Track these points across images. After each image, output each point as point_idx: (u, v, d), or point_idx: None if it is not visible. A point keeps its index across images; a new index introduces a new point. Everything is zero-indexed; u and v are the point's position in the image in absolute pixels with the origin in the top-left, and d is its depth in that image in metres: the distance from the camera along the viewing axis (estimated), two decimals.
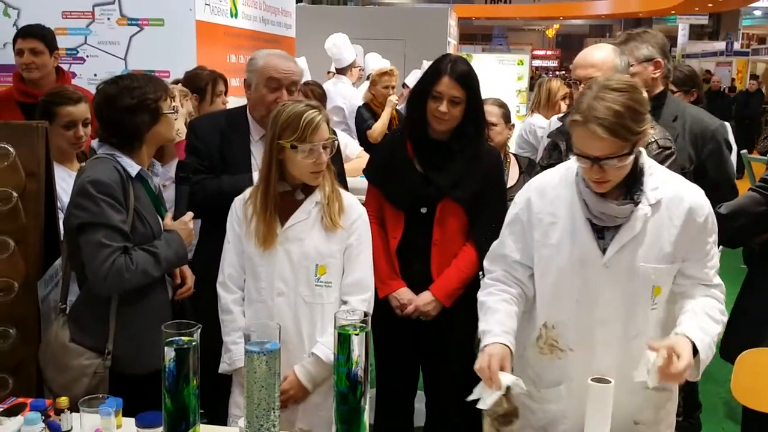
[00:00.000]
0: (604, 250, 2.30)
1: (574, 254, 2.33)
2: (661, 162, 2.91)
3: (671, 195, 2.29)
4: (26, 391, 2.66)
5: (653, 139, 2.97)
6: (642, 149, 2.31)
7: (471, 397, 2.15)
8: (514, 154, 3.85)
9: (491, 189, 3.14)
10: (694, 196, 2.31)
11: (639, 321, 2.33)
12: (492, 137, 3.70)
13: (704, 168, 3.45)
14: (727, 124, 4.19)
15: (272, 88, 3.12)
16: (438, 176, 3.08)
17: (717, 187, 3.51)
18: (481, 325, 2.38)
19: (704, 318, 2.29)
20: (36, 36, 4.33)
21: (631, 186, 2.27)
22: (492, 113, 3.77)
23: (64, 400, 2.22)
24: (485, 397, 2.13)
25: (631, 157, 2.19)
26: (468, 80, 3.05)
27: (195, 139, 3.21)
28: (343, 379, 1.88)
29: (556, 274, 2.38)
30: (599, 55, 3.04)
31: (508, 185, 3.65)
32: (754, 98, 17.81)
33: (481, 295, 2.49)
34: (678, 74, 4.27)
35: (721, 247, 2.61)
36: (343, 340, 1.87)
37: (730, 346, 3.02)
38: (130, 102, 2.63)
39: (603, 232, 2.31)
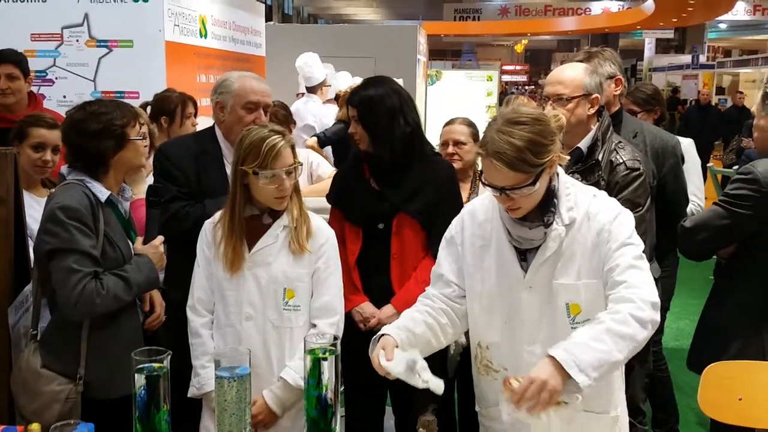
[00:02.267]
0: (527, 272, 2.35)
1: (501, 276, 2.39)
2: (628, 183, 2.96)
3: (584, 213, 2.32)
4: None
5: (621, 161, 3.00)
6: (558, 171, 2.34)
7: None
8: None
9: (445, 201, 3.18)
10: (607, 215, 2.30)
11: (561, 340, 2.17)
12: (461, 156, 3.78)
13: (665, 182, 3.52)
14: (691, 140, 4.29)
15: (250, 110, 3.17)
16: (392, 193, 3.15)
17: (675, 199, 3.60)
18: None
19: (596, 330, 2.11)
20: (11, 61, 4.31)
21: (543, 209, 2.31)
22: (461, 132, 3.85)
23: (35, 427, 2.20)
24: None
25: (537, 185, 2.22)
26: (356, 98, 3.18)
27: (169, 165, 3.20)
28: (313, 403, 1.90)
29: (486, 297, 2.43)
30: (569, 74, 3.07)
31: None
32: (744, 113, 16.99)
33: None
34: (640, 94, 4.34)
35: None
36: (313, 364, 1.89)
37: (696, 357, 3.09)
38: (96, 127, 2.66)
39: (526, 255, 2.36)
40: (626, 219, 2.33)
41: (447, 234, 2.57)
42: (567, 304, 2.31)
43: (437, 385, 2.22)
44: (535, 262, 2.33)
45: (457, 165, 3.72)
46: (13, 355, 2.84)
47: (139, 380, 1.88)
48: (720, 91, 24.90)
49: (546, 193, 2.31)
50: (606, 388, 2.38)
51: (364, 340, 3.09)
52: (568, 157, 2.48)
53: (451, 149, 3.78)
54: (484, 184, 2.30)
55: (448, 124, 3.92)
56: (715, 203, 3.00)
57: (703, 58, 27.89)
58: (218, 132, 3.28)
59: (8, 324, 2.84)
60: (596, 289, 2.31)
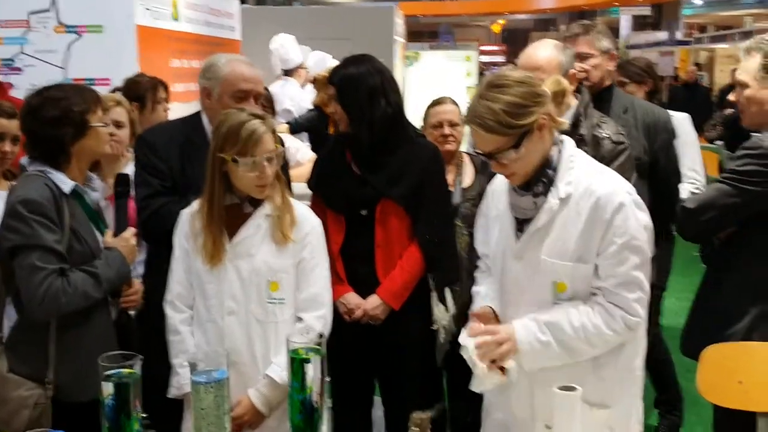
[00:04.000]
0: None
1: (499, 244, 2.43)
2: (615, 157, 2.93)
3: (583, 189, 2.27)
4: None
5: (606, 135, 2.99)
6: (565, 140, 2.34)
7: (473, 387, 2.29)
8: (468, 153, 3.77)
9: (430, 185, 3.09)
10: (607, 190, 2.25)
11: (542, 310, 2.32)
12: (456, 137, 3.63)
13: (656, 158, 3.44)
14: (686, 115, 4.21)
15: (239, 98, 2.96)
16: (374, 177, 3.05)
17: (667, 176, 3.52)
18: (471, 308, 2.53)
19: (553, 317, 2.27)
20: None
21: (537, 178, 2.29)
22: (454, 112, 3.67)
23: None
24: (481, 380, 2.26)
25: (523, 149, 2.21)
26: (336, 77, 3.09)
27: (152, 156, 3.00)
28: (297, 407, 1.77)
29: (493, 265, 2.50)
30: (543, 55, 3.01)
31: (464, 185, 3.58)
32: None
33: (473, 288, 2.60)
34: (632, 67, 4.29)
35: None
36: (296, 365, 1.76)
37: (692, 342, 2.99)
38: (53, 113, 2.51)
39: (523, 225, 2.35)
40: (632, 212, 2.24)
41: (477, 212, 2.64)
42: (554, 282, 2.30)
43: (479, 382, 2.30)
44: (527, 232, 2.32)
45: (451, 147, 3.59)
46: None
47: (107, 388, 1.74)
48: (698, 67, 24.93)
49: (543, 161, 2.27)
50: (601, 381, 2.32)
51: (349, 331, 3.01)
52: (566, 122, 2.42)
53: (447, 130, 3.59)
54: (474, 152, 2.37)
55: (435, 104, 3.73)
56: (719, 180, 2.85)
57: (679, 35, 27.92)
58: (204, 119, 3.08)
59: None
60: (585, 273, 2.28)
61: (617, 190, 2.25)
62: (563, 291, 2.29)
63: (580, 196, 2.25)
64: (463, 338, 2.35)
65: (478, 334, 2.30)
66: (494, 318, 2.42)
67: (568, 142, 2.35)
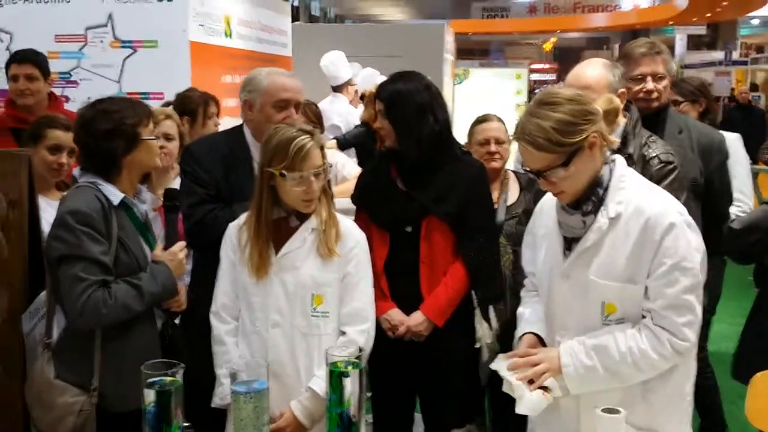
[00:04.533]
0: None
1: (546, 263, 2.41)
2: (664, 176, 2.88)
3: (633, 208, 2.22)
4: (12, 429, 2.57)
5: (654, 154, 2.95)
6: (617, 159, 2.31)
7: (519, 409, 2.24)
8: (514, 171, 3.75)
9: (475, 203, 3.07)
10: (657, 210, 2.20)
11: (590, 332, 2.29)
12: (502, 154, 3.62)
13: (711, 180, 3.38)
14: (738, 135, 4.14)
15: (280, 108, 3.04)
16: (420, 194, 3.03)
17: (721, 198, 3.46)
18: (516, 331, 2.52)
19: (601, 341, 2.24)
20: (31, 61, 4.27)
21: (585, 196, 2.26)
22: (500, 130, 3.67)
23: None
24: (526, 401, 2.22)
25: (572, 167, 2.19)
26: (384, 92, 3.08)
27: (196, 167, 3.06)
28: (335, 421, 1.77)
29: (539, 284, 2.48)
30: (593, 74, 2.99)
31: (509, 203, 3.57)
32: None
33: (519, 309, 2.58)
34: (686, 85, 4.23)
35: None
36: (335, 379, 1.76)
37: (743, 366, 2.93)
38: (106, 126, 2.54)
39: (571, 244, 2.31)
40: (683, 233, 2.19)
41: (525, 231, 2.63)
42: (603, 303, 2.26)
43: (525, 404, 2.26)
44: (575, 252, 2.29)
45: (497, 164, 3.58)
46: (27, 364, 2.75)
47: (149, 395, 1.76)
48: (753, 87, 24.47)
49: (594, 180, 2.24)
50: (649, 405, 2.28)
51: (392, 347, 3.00)
52: (617, 141, 2.39)
53: (493, 147, 3.59)
54: (524, 169, 2.33)
55: (481, 121, 3.72)
56: (766, 203, 2.82)
57: (735, 55, 27.46)
58: (246, 131, 3.14)
59: (22, 331, 2.76)
60: (635, 294, 2.23)
61: (668, 210, 2.21)
62: (613, 312, 2.25)
63: (630, 216, 2.21)
64: (497, 364, 2.35)
65: (514, 364, 2.31)
66: (538, 344, 2.40)
67: (620, 161, 2.31)
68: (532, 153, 2.20)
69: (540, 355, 2.29)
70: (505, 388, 2.30)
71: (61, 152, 3.24)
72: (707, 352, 4.20)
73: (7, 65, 4.30)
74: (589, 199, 2.25)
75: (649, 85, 3.32)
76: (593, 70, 2.99)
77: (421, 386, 3.20)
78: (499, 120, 3.75)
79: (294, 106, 3.07)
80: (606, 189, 2.25)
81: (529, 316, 2.50)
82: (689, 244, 2.19)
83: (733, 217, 3.52)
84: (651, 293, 2.20)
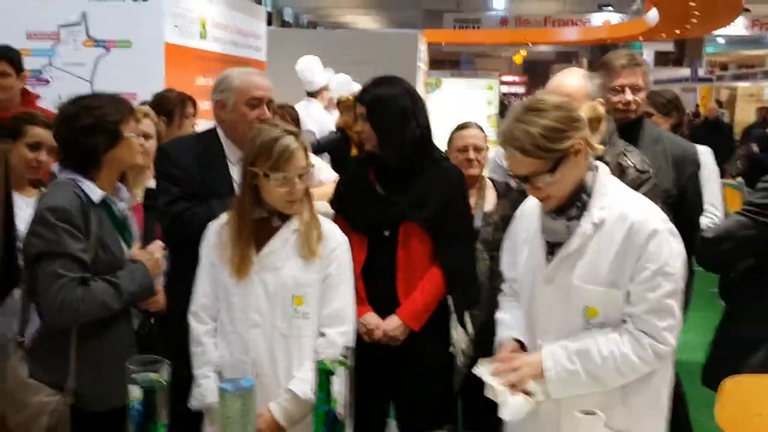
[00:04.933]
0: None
1: (528, 267, 2.42)
2: (639, 185, 2.91)
3: (617, 214, 2.25)
4: None
5: (631, 164, 2.99)
6: (600, 166, 2.34)
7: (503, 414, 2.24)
8: (491, 179, 3.78)
9: (453, 208, 3.08)
10: (641, 216, 2.23)
11: (572, 336, 2.30)
12: (480, 161, 3.65)
13: (684, 191, 3.43)
14: (708, 148, 4.19)
15: (253, 106, 3.06)
16: (398, 198, 3.03)
17: (692, 209, 3.51)
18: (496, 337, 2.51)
19: (583, 345, 2.25)
20: (3, 57, 4.19)
21: (571, 202, 2.28)
22: (479, 137, 3.71)
23: None
24: (510, 406, 2.22)
25: (558, 173, 2.21)
26: (367, 96, 3.07)
27: (170, 165, 3.06)
28: (322, 418, 1.76)
29: (521, 289, 2.48)
30: (572, 84, 3.01)
31: (486, 209, 3.59)
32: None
33: (497, 314, 2.57)
34: (659, 98, 4.27)
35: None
36: (322, 377, 1.75)
37: (713, 373, 2.97)
38: (87, 122, 2.52)
39: (554, 249, 2.33)
40: (666, 239, 2.22)
41: (505, 234, 2.62)
42: (586, 307, 2.27)
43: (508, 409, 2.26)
44: (558, 256, 2.30)
45: (475, 171, 3.61)
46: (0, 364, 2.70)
47: (134, 392, 1.74)
48: (718, 104, 24.88)
49: (577, 186, 2.27)
50: (628, 408, 2.30)
51: (367, 351, 2.99)
52: (602, 147, 2.40)
53: (472, 155, 3.62)
54: (510, 175, 2.32)
55: (461, 128, 3.76)
56: (738, 213, 2.88)
57: (701, 72, 27.90)
58: (220, 132, 3.16)
59: None
60: (617, 299, 2.25)
61: (652, 217, 2.24)
62: (594, 316, 2.27)
63: (614, 222, 2.24)
64: (480, 369, 2.35)
65: (496, 370, 2.32)
66: (519, 349, 2.41)
67: (603, 168, 2.35)
68: (519, 158, 2.21)
69: (522, 360, 2.30)
70: (487, 393, 2.30)
71: (40, 150, 3.19)
72: (677, 361, 4.25)
73: None
74: (573, 205, 2.28)
75: (628, 96, 3.36)
76: (574, 79, 3.02)
77: (396, 391, 3.20)
78: (479, 127, 3.79)
79: (266, 103, 3.10)
80: (590, 195, 2.28)
81: (509, 321, 2.51)
82: (672, 250, 2.22)
83: (704, 227, 3.57)
84: (633, 297, 2.22)
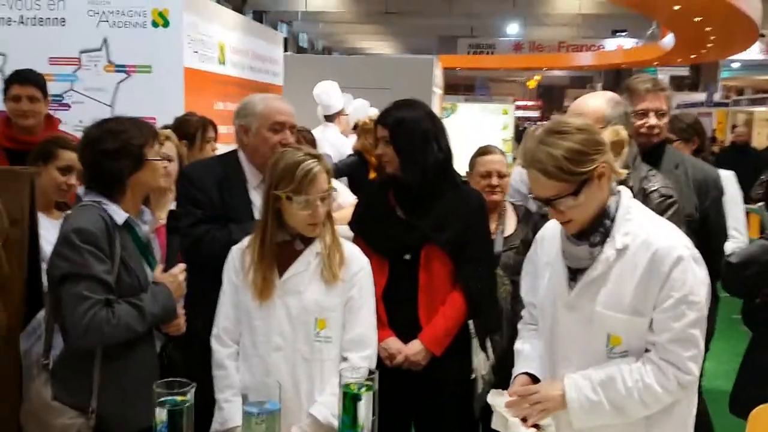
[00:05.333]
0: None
1: (549, 293, 2.38)
2: (663, 210, 2.88)
3: (641, 240, 2.22)
4: None
5: (654, 188, 2.97)
6: (623, 190, 2.32)
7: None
8: (511, 203, 3.78)
9: (475, 232, 3.08)
10: (666, 243, 2.20)
11: (594, 365, 2.27)
12: (503, 187, 3.66)
13: (707, 216, 3.41)
14: (732, 172, 4.17)
15: (276, 131, 3.09)
16: (420, 221, 3.03)
17: (716, 234, 3.48)
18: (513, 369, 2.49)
19: (607, 375, 2.22)
20: (34, 83, 4.25)
21: (593, 227, 2.25)
22: (502, 163, 3.71)
23: None
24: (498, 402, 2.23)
25: (582, 197, 2.19)
26: (389, 119, 3.06)
27: (193, 189, 3.10)
28: None
29: (541, 314, 2.45)
30: (591, 104, 3.01)
31: (506, 234, 3.59)
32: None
33: (516, 344, 2.55)
34: (679, 123, 4.26)
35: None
36: (348, 401, 1.75)
37: (741, 401, 2.94)
38: (112, 146, 2.54)
39: (576, 275, 2.31)
40: (690, 267, 2.19)
41: (525, 259, 2.60)
42: (609, 335, 2.24)
43: None
44: (581, 282, 2.27)
45: (497, 197, 3.61)
46: (24, 385, 2.71)
47: (161, 414, 1.74)
48: (734, 129, 24.74)
49: (601, 211, 2.24)
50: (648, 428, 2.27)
51: (388, 375, 2.98)
52: (625, 172, 2.37)
53: (495, 181, 3.62)
54: (531, 197, 2.33)
55: (484, 153, 3.75)
56: (763, 237, 2.87)
57: (717, 96, 27.82)
58: (241, 156, 3.19)
59: (20, 351, 2.73)
60: (641, 327, 2.22)
61: (676, 244, 2.21)
62: (618, 344, 2.23)
63: (638, 248, 2.21)
64: (493, 399, 2.33)
65: (513, 402, 2.30)
66: (531, 384, 2.39)
67: (625, 193, 2.32)
68: (542, 181, 2.19)
69: (541, 395, 2.26)
70: (495, 425, 2.27)
71: (71, 173, 3.24)
72: (702, 389, 4.20)
73: (7, 85, 4.27)
74: (597, 230, 2.25)
75: (652, 120, 3.36)
76: (594, 100, 3.02)
77: (417, 416, 3.18)
78: (501, 152, 3.78)
79: (289, 128, 3.13)
80: (613, 220, 2.25)
81: (528, 352, 2.48)
82: (696, 277, 2.19)
83: (730, 252, 3.55)
84: (657, 326, 2.20)
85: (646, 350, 2.23)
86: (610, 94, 3.10)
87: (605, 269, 2.23)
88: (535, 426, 2.24)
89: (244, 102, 3.21)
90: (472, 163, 3.73)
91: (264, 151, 3.06)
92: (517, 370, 2.46)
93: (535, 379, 2.39)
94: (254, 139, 3.12)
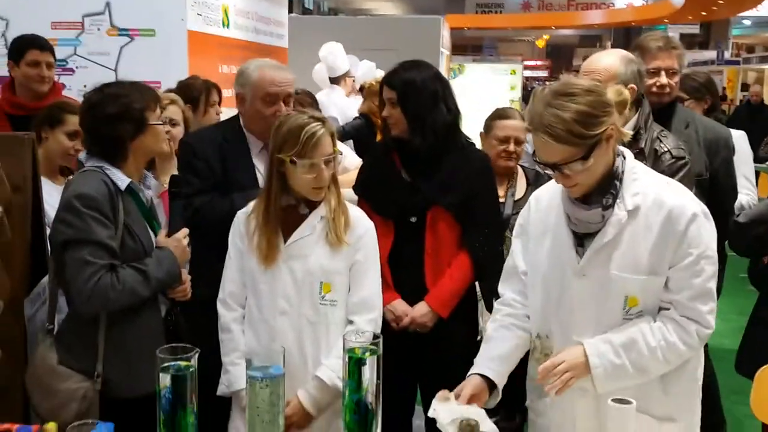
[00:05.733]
0: (581, 258, 2.26)
1: (554, 262, 2.31)
2: (675, 171, 2.86)
3: (651, 200, 2.19)
4: (12, 416, 2.51)
5: (666, 149, 2.95)
6: (625, 151, 2.27)
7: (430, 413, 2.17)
8: (522, 166, 3.72)
9: (481, 194, 3.06)
10: (678, 201, 2.18)
11: (610, 330, 2.24)
12: (519, 154, 3.59)
13: (716, 175, 3.38)
14: (743, 132, 4.13)
15: (269, 102, 3.03)
16: (425, 184, 3.01)
17: (725, 193, 3.46)
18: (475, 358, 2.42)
19: (628, 338, 2.19)
20: (50, 49, 4.25)
21: (603, 190, 2.20)
22: (520, 129, 3.55)
23: (52, 426, 2.08)
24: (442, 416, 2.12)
25: (591, 160, 2.13)
26: (396, 80, 3.01)
27: (194, 158, 3.06)
28: (351, 408, 1.75)
29: (541, 284, 2.36)
30: (604, 61, 2.98)
31: (516, 197, 3.55)
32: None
33: (488, 325, 2.50)
34: (691, 82, 4.20)
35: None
36: (352, 365, 1.74)
37: (747, 360, 2.94)
38: (113, 110, 2.51)
39: (583, 241, 2.26)
40: (703, 223, 2.17)
41: (517, 222, 2.51)
42: (626, 297, 2.20)
43: None
44: (591, 248, 2.22)
45: (512, 164, 3.55)
46: (29, 350, 2.73)
47: (164, 380, 1.74)
48: (744, 87, 24.54)
49: (608, 173, 2.20)
50: (667, 395, 2.26)
51: (394, 337, 2.97)
52: (630, 133, 2.33)
53: (512, 147, 3.53)
54: (536, 161, 2.23)
55: (503, 117, 3.63)
56: None
57: (727, 54, 27.55)
58: (242, 121, 3.15)
59: (24, 317, 2.73)
60: (658, 286, 2.20)
61: (688, 201, 2.19)
62: (634, 306, 2.21)
63: (650, 208, 2.18)
64: (434, 411, 2.22)
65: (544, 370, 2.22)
66: (485, 388, 2.32)
67: (629, 154, 2.28)
68: (552, 145, 2.12)
69: (567, 363, 2.20)
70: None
71: (78, 138, 3.22)
72: (708, 348, 4.20)
73: (23, 50, 4.22)
74: (608, 192, 2.20)
75: (663, 79, 3.32)
76: (608, 58, 2.98)
77: (422, 377, 3.19)
78: (521, 116, 3.63)
79: (284, 98, 3.06)
80: (621, 181, 2.21)
81: (493, 346, 2.41)
82: (709, 232, 2.18)
83: (741, 203, 3.53)
84: (674, 284, 2.18)
85: (662, 308, 2.21)
86: (623, 52, 3.06)
87: (617, 231, 2.19)
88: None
89: (241, 68, 3.16)
90: (489, 126, 3.63)
91: (257, 122, 3.04)
92: (477, 362, 2.40)
93: (489, 382, 2.33)
94: (249, 109, 3.08)
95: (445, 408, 2.19)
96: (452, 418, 2.10)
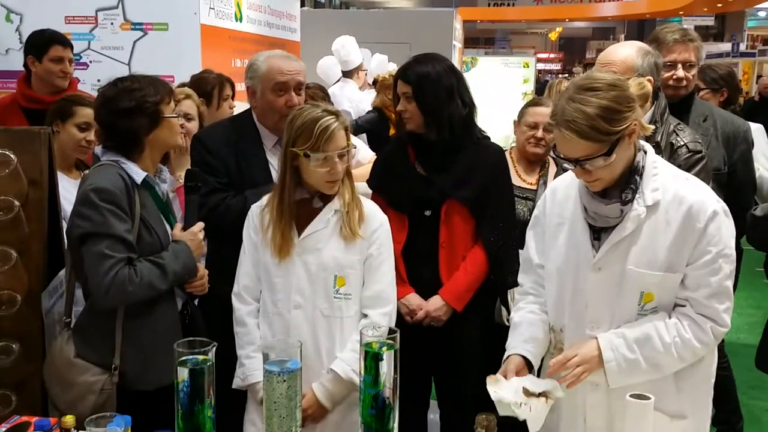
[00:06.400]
0: (597, 252, 2.25)
1: (570, 255, 2.30)
2: (692, 166, 2.84)
3: (671, 196, 2.17)
4: (30, 409, 2.56)
5: (682, 143, 2.92)
6: (646, 146, 2.25)
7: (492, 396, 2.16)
8: (552, 156, 3.73)
9: (496, 187, 3.06)
10: (699, 198, 2.16)
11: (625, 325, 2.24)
12: (548, 142, 3.56)
13: (734, 169, 3.36)
14: (760, 125, 4.10)
15: (279, 92, 3.01)
16: (440, 177, 3.01)
17: (743, 187, 3.43)
18: (507, 344, 2.40)
19: (642, 333, 2.18)
20: (71, 45, 4.31)
21: (623, 185, 2.19)
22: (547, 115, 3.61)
23: (69, 419, 2.11)
24: (535, 417, 2.13)
25: (614, 156, 2.10)
26: (411, 74, 3.01)
27: (208, 155, 3.05)
28: (369, 402, 1.75)
29: (556, 277, 2.35)
30: (621, 53, 2.96)
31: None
32: None
33: (512, 314, 2.49)
34: (711, 72, 4.17)
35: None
36: (369, 360, 1.74)
37: (766, 356, 2.92)
38: (128, 105, 2.52)
39: (600, 234, 2.25)
40: (723, 220, 2.16)
41: (533, 214, 2.51)
42: (641, 292, 2.19)
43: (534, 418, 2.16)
44: (609, 242, 2.21)
45: (539, 150, 3.52)
46: (46, 344, 2.74)
47: (182, 373, 1.75)
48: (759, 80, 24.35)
49: (628, 168, 2.18)
50: (680, 392, 2.26)
51: (409, 331, 2.97)
52: (653, 127, 2.31)
53: (540, 133, 3.51)
54: (556, 156, 2.21)
55: (535, 104, 3.66)
56: None
57: (743, 46, 27.36)
58: (255, 116, 3.14)
59: (42, 310, 2.75)
60: (674, 283, 2.19)
61: (708, 198, 2.18)
62: (650, 301, 2.20)
63: (669, 204, 2.16)
64: (493, 390, 2.21)
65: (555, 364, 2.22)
66: (525, 368, 2.31)
67: (650, 148, 2.27)
68: (574, 140, 2.09)
69: (581, 356, 2.20)
70: (503, 412, 2.17)
71: (89, 129, 3.24)
72: (723, 343, 4.19)
73: (45, 46, 4.23)
74: (628, 187, 2.18)
75: (680, 72, 3.29)
76: (624, 49, 2.96)
77: (437, 371, 3.19)
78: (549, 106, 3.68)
79: (295, 87, 3.04)
80: (641, 176, 2.20)
81: (525, 329, 2.40)
82: (728, 230, 2.17)
83: (761, 177, 3.50)
84: (693, 282, 2.17)
85: (678, 305, 2.20)
86: (639, 43, 3.04)
87: (636, 227, 2.18)
88: (543, 394, 2.18)
89: (250, 61, 3.14)
90: (522, 113, 3.65)
91: (271, 114, 3.02)
92: (511, 345, 2.39)
93: (528, 363, 2.33)
94: (261, 102, 3.06)
95: (504, 387, 2.20)
96: (516, 393, 2.15)
